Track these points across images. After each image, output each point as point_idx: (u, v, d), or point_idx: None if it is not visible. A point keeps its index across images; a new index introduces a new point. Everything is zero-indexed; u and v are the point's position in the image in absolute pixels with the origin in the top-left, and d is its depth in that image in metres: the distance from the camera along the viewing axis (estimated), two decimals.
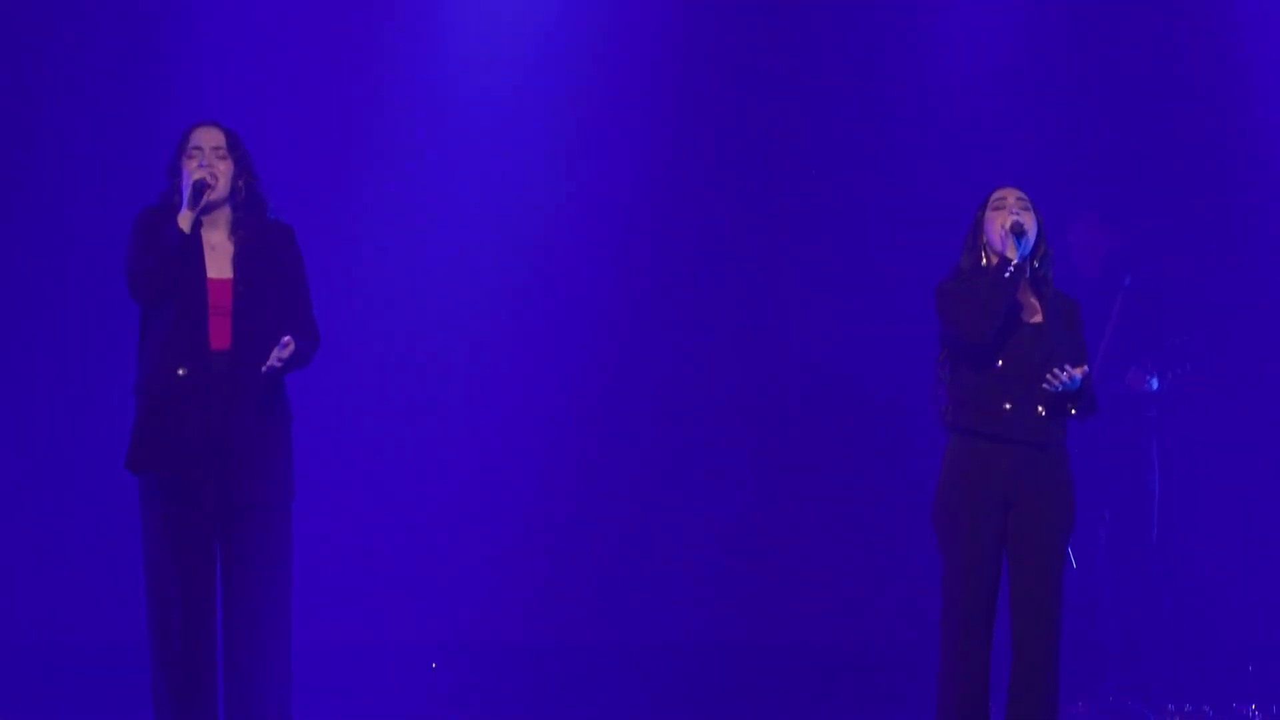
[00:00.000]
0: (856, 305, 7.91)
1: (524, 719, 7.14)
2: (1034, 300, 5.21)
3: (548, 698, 7.37)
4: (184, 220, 4.85)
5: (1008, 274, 5.04)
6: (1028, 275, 5.21)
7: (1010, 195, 5.23)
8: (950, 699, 5.11)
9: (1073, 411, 5.18)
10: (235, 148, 4.98)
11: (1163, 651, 7.74)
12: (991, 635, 5.26)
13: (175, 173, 4.97)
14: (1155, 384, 7.30)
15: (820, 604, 8.08)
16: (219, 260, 4.96)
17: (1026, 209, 5.19)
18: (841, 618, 8.02)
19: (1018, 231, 5.07)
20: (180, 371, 4.89)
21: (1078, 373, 5.02)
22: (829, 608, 8.05)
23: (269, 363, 4.83)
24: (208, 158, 4.92)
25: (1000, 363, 5.11)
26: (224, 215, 4.96)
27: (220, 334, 4.95)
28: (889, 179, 7.96)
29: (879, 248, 7.89)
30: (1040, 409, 5.08)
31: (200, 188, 4.84)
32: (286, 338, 4.84)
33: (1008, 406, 5.09)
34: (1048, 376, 5.03)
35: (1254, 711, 7.44)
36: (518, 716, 7.12)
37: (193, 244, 4.86)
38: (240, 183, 4.99)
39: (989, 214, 5.22)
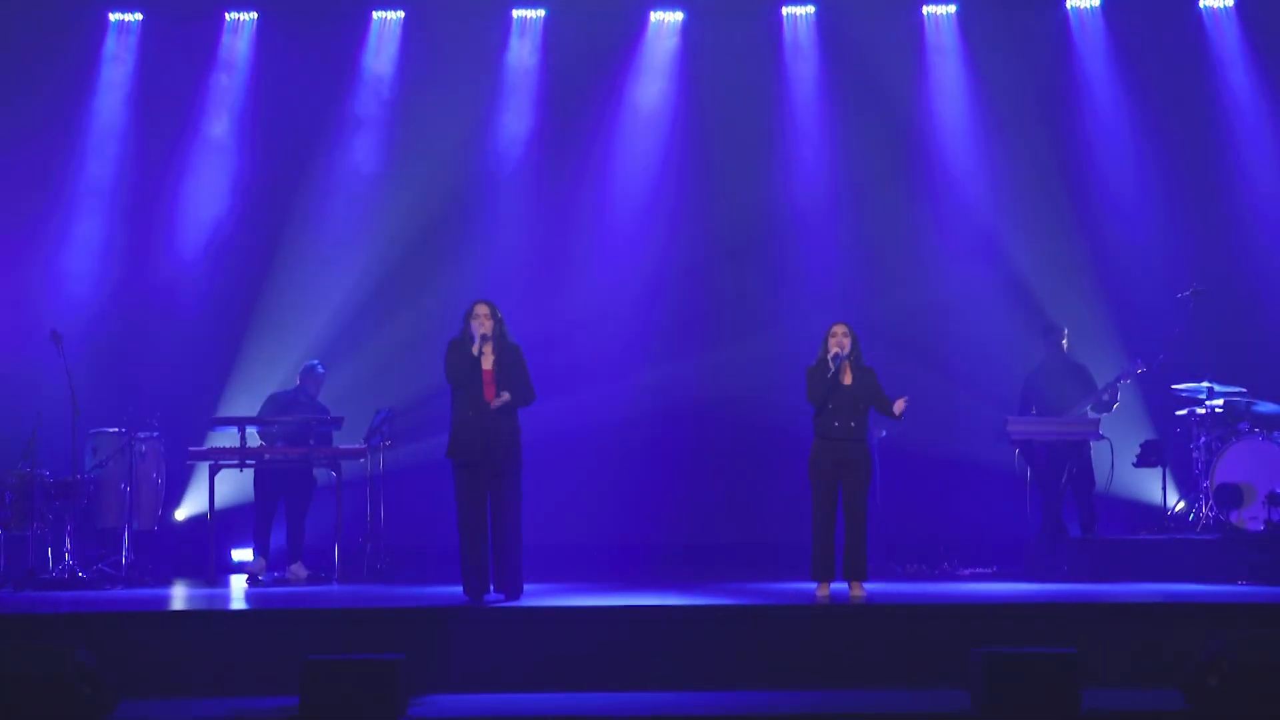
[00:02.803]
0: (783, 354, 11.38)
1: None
2: (850, 371, 8.90)
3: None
4: (474, 350, 9.02)
5: (830, 374, 8.89)
6: (848, 359, 8.84)
7: (839, 328, 8.92)
8: (816, 554, 8.97)
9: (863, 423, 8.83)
10: (495, 313, 9.09)
11: (904, 542, 11.21)
12: (836, 524, 8.81)
13: (466, 323, 9.03)
14: (884, 434, 11.33)
15: (763, 515, 12.10)
16: (488, 361, 9.04)
17: (847, 335, 8.87)
18: (771, 522, 11.93)
19: (835, 355, 8.83)
20: (470, 412, 9.04)
21: (901, 404, 8.84)
22: (770, 517, 11.89)
23: (500, 400, 8.90)
24: (480, 319, 9.04)
25: (831, 405, 8.90)
26: (489, 345, 9.09)
27: (489, 393, 9.05)
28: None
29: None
30: (851, 424, 8.88)
31: (484, 339, 9.00)
32: (505, 394, 8.98)
33: (835, 424, 8.94)
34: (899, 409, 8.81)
35: (954, 568, 10.86)
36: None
37: (478, 360, 9.00)
38: (498, 328, 9.10)
39: (828, 338, 8.92)
